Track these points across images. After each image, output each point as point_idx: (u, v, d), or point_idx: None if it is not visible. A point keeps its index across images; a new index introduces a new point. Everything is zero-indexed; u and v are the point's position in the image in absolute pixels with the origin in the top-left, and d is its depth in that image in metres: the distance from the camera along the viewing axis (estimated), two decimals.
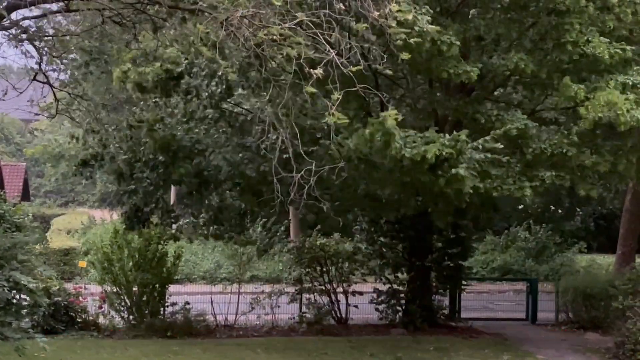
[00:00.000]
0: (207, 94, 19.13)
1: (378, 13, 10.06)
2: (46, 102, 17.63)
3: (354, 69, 10.04)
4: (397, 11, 10.19)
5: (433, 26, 12.78)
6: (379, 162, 17.61)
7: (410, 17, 10.51)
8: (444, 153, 16.62)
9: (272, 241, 26.19)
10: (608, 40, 18.11)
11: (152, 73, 18.38)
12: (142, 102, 20.39)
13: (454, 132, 17.33)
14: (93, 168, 21.57)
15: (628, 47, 18.05)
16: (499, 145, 17.38)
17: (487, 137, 17.48)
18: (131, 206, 21.81)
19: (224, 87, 18.93)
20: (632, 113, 17.13)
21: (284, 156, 12.24)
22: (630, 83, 18.04)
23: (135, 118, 20.10)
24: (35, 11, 14.27)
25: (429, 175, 17.27)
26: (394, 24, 10.34)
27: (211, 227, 23.01)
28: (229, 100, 20.45)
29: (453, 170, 16.78)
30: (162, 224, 22.46)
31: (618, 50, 17.90)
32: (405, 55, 10.81)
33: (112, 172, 21.35)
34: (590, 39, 18.02)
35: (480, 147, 17.31)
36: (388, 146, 16.25)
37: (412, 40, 10.59)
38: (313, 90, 10.15)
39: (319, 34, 10.00)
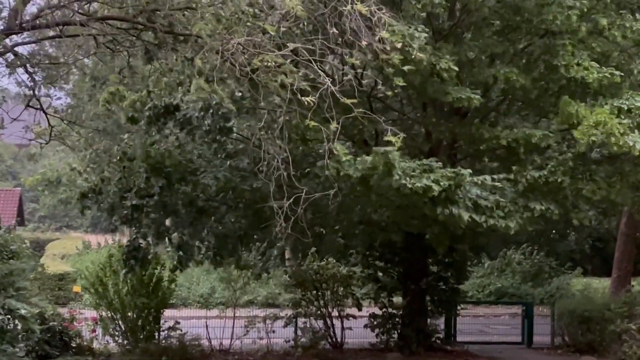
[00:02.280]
0: (204, 128, 19.00)
1: (367, 43, 10.12)
2: (41, 126, 17.65)
3: (349, 101, 10.10)
4: (388, 39, 10.27)
5: (422, 55, 12.78)
6: (374, 183, 17.55)
7: (399, 46, 10.59)
8: (443, 185, 16.62)
9: (267, 265, 26.12)
10: (597, 65, 18.13)
11: (144, 104, 18.25)
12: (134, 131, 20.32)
13: (458, 167, 17.34)
14: (91, 201, 21.44)
15: (617, 72, 18.06)
16: (499, 184, 17.37)
17: (487, 177, 17.45)
18: (130, 246, 21.53)
19: (222, 122, 18.79)
20: (624, 138, 17.04)
21: (279, 176, 12.26)
22: (626, 107, 18.02)
23: (127, 145, 20.00)
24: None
25: (427, 206, 17.25)
26: (387, 48, 10.40)
27: (209, 253, 22.88)
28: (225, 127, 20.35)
29: (454, 210, 16.82)
30: (176, 262, 22.24)
31: (607, 75, 17.92)
32: (399, 82, 10.87)
33: (104, 209, 21.19)
34: (580, 62, 18.06)
35: (479, 182, 17.28)
36: (389, 175, 16.28)
37: (406, 68, 10.61)
38: (315, 124, 10.20)
39: (313, 61, 10.05)
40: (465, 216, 16.92)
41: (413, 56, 11.52)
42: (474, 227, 18.07)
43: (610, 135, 16.92)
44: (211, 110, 18.35)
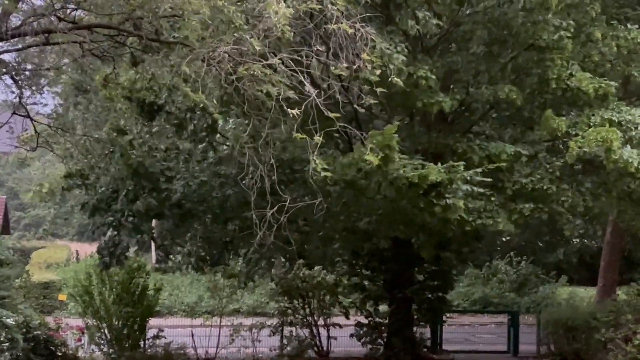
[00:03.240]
0: (191, 128, 18.96)
1: (347, 65, 10.29)
2: (28, 133, 17.59)
3: (332, 115, 10.17)
4: (369, 61, 10.41)
5: (398, 80, 12.87)
6: (364, 186, 17.32)
7: (378, 72, 10.75)
8: (439, 179, 16.53)
9: (253, 273, 25.98)
10: (590, 75, 18.18)
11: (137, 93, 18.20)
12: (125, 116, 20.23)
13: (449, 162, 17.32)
14: (76, 183, 21.05)
15: (612, 82, 18.11)
16: (488, 179, 17.35)
17: (478, 170, 17.42)
18: (109, 241, 21.36)
19: (208, 121, 18.72)
20: (621, 152, 17.00)
21: (262, 184, 12.23)
22: (616, 120, 18.00)
23: (114, 127, 19.83)
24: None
25: (421, 200, 17.09)
26: (368, 67, 10.57)
27: (193, 259, 22.82)
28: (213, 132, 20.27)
29: (449, 200, 16.72)
30: (159, 265, 22.16)
31: (602, 85, 17.96)
32: (381, 89, 10.96)
33: (87, 206, 20.98)
34: (573, 73, 18.10)
35: (469, 178, 17.24)
36: (390, 162, 15.97)
37: (378, 90, 10.75)
38: (302, 136, 10.25)
39: (299, 71, 10.09)
40: (460, 203, 16.71)
41: (389, 79, 11.71)
42: (464, 225, 17.99)
43: (609, 151, 16.91)
44: (197, 112, 18.37)
